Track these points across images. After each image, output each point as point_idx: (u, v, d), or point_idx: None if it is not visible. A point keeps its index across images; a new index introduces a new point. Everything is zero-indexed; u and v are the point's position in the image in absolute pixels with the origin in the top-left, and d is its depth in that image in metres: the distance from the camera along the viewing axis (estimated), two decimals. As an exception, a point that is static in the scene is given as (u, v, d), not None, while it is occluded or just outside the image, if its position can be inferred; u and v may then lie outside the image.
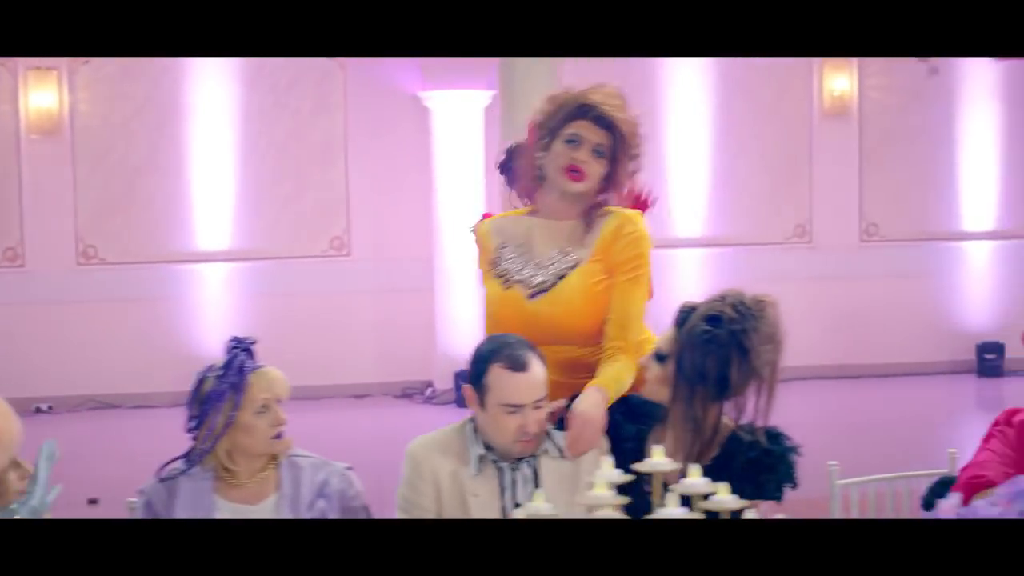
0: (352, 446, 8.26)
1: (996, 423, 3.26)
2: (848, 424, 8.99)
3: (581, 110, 3.46)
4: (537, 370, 3.19)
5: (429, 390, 10.17)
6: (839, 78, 10.78)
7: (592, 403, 3.28)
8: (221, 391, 3.11)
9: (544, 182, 3.54)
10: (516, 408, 3.15)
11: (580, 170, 3.46)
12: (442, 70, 9.88)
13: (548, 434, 3.30)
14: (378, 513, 3.35)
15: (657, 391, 3.32)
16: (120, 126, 10.21)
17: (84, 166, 10.21)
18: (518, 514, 2.42)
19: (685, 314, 3.30)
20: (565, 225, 3.52)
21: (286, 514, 3.15)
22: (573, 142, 3.46)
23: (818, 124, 10.84)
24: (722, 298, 3.30)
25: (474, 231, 3.69)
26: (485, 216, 3.97)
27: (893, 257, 10.90)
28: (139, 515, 3.23)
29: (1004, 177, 11.03)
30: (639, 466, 2.49)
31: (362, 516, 3.24)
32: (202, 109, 10.29)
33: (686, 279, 10.09)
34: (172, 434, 3.55)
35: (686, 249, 10.65)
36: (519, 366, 3.15)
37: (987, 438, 3.24)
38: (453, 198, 9.99)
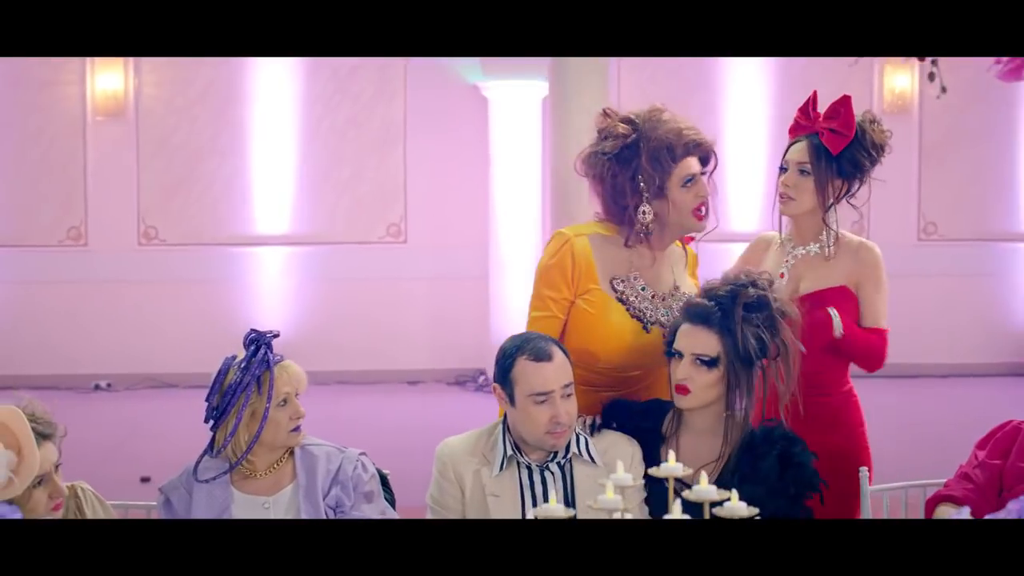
0: (404, 431, 8.32)
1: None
2: (901, 425, 8.92)
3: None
4: (560, 359, 3.24)
5: (482, 378, 10.21)
6: (900, 76, 10.70)
7: None
8: (245, 383, 3.13)
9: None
10: (544, 396, 3.18)
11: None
12: (501, 61, 9.89)
13: (581, 439, 3.32)
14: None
15: (705, 395, 3.31)
16: (183, 109, 10.35)
17: (147, 148, 10.35)
18: (531, 515, 2.44)
19: (710, 311, 3.30)
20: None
21: (303, 504, 3.18)
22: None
23: (878, 121, 10.71)
24: (740, 283, 3.33)
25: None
26: None
27: (951, 256, 10.80)
28: (160, 514, 3.26)
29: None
30: (655, 471, 2.48)
31: (377, 499, 3.28)
32: (263, 94, 10.40)
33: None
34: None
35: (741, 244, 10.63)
36: (543, 356, 3.20)
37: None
38: (509, 188, 10.04)
